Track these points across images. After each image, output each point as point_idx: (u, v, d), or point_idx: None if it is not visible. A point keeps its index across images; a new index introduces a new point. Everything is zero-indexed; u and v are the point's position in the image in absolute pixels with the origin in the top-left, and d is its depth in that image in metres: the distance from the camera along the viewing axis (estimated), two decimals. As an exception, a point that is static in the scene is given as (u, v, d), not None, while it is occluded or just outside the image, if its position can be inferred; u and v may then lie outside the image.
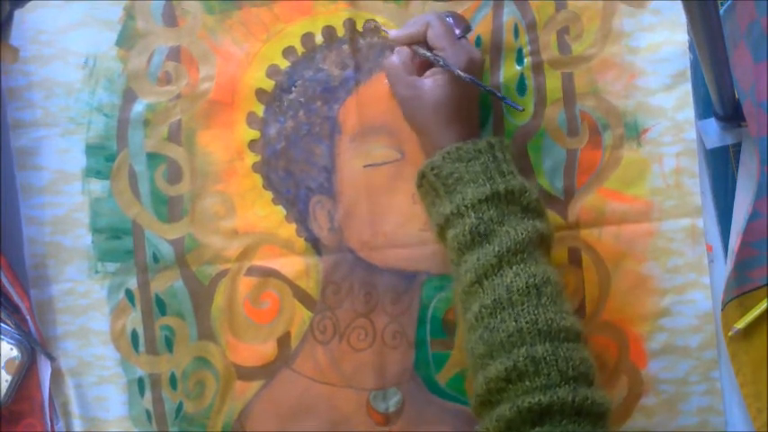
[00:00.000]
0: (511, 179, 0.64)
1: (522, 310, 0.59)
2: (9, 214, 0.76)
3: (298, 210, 0.76)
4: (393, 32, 0.71)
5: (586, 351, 0.60)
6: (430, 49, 0.69)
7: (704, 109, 0.74)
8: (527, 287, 0.60)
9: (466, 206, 0.63)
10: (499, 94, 0.68)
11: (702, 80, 0.70)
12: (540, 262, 0.62)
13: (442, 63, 0.67)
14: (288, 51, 0.75)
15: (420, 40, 0.69)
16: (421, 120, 0.69)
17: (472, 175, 0.64)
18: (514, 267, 0.61)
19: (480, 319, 0.61)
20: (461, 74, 0.66)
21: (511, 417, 0.57)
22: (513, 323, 0.59)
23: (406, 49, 0.70)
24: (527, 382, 0.57)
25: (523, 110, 0.73)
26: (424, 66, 0.69)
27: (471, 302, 0.62)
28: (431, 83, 0.67)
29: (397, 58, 0.70)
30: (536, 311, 0.59)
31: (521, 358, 0.58)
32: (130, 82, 0.76)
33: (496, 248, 0.61)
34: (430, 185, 0.66)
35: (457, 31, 0.69)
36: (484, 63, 0.72)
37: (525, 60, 0.74)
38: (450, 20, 0.69)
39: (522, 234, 0.62)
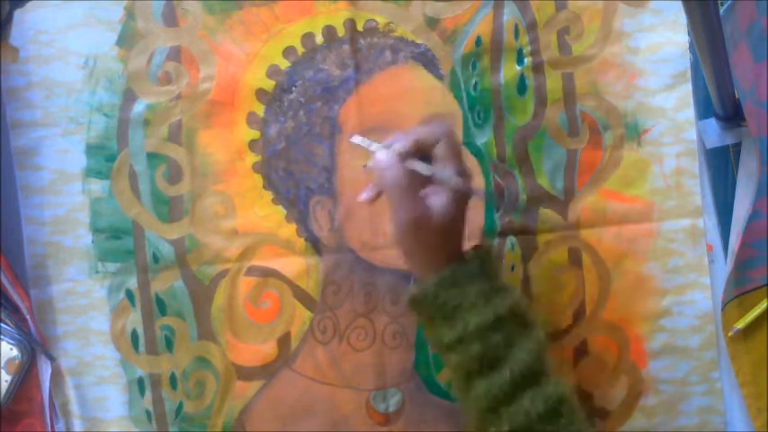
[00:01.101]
0: (506, 296, 0.62)
1: None
2: (9, 214, 0.76)
3: (298, 210, 0.76)
4: (398, 143, 0.63)
5: None
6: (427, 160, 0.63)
7: (704, 109, 0.74)
8: (545, 411, 0.59)
9: (470, 333, 0.61)
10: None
11: (702, 80, 0.70)
12: (551, 380, 0.61)
13: (453, 183, 0.62)
14: (288, 51, 0.75)
15: (426, 152, 0.63)
16: (422, 243, 0.62)
17: (470, 301, 0.61)
18: (529, 392, 0.60)
19: None
20: (475, 193, 0.64)
21: None
22: None
23: (407, 170, 0.62)
24: None
25: (481, 199, 0.74)
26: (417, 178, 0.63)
27: (487, 426, 0.61)
28: (437, 203, 0.61)
29: (405, 179, 0.62)
30: None
31: None
32: (130, 82, 0.76)
33: (508, 374, 0.60)
34: (425, 309, 0.63)
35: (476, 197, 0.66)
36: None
37: (525, 60, 0.74)
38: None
39: (533, 354, 0.60)
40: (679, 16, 0.72)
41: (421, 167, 0.62)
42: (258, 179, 0.76)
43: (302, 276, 0.75)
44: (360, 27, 0.75)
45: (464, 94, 0.75)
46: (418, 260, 0.64)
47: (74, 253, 0.76)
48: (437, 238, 0.62)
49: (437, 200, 0.61)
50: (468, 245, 0.64)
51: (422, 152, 0.63)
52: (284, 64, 0.75)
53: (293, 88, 0.76)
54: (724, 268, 0.73)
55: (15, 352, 0.74)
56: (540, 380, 0.60)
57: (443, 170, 0.62)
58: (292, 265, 0.75)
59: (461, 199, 0.63)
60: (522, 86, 0.74)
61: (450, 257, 0.63)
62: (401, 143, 0.63)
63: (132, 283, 0.76)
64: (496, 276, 0.64)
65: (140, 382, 0.76)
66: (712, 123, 0.73)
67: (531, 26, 0.74)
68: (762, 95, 0.69)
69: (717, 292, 0.73)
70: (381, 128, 0.75)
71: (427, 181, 0.62)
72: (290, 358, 0.76)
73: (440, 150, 0.62)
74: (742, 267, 0.71)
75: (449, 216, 0.61)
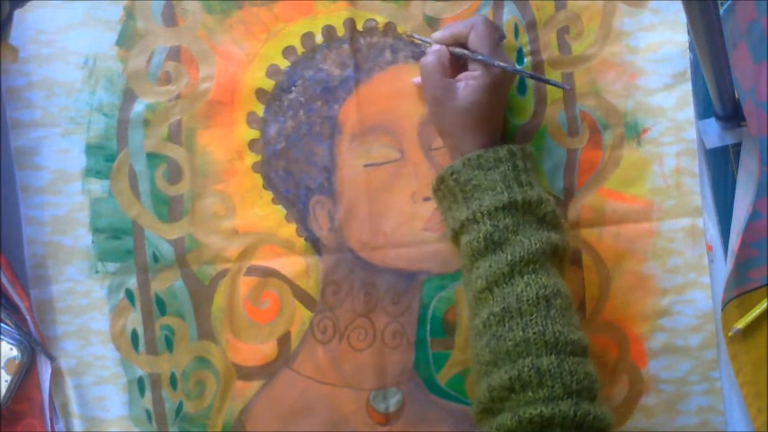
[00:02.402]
0: (528, 190, 0.64)
1: (531, 320, 0.59)
2: (9, 214, 0.76)
3: (298, 209, 0.76)
4: (437, 33, 0.70)
5: (591, 366, 0.61)
6: (467, 49, 0.68)
7: (704, 109, 0.74)
8: (537, 298, 0.60)
9: (482, 213, 0.63)
10: (543, 78, 0.69)
11: (702, 80, 0.70)
12: (551, 274, 0.62)
13: (480, 58, 0.67)
14: (288, 51, 0.75)
15: (462, 42, 0.69)
16: (448, 122, 0.68)
17: (490, 182, 0.64)
18: (526, 277, 0.61)
19: (488, 326, 0.61)
20: (501, 64, 0.66)
21: (511, 426, 0.57)
22: (521, 333, 0.59)
23: (444, 50, 0.69)
24: (530, 393, 0.58)
25: (570, 89, 0.73)
26: (456, 69, 0.69)
27: (480, 309, 0.62)
28: (463, 86, 0.67)
29: (433, 58, 0.69)
30: (544, 323, 0.59)
31: (525, 368, 0.58)
32: (130, 82, 0.76)
33: (509, 257, 0.61)
34: (448, 190, 0.66)
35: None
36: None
37: (525, 60, 0.74)
38: None
39: (535, 245, 0.62)
40: (679, 16, 0.72)
41: (452, 48, 0.69)
42: (258, 179, 0.76)
43: (302, 276, 0.75)
44: (360, 27, 0.75)
45: (464, 94, 0.75)
46: (450, 141, 0.69)
47: (74, 253, 0.76)
48: (463, 121, 0.67)
49: (461, 83, 0.67)
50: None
51: (459, 42, 0.69)
52: (284, 64, 0.75)
53: (293, 88, 0.76)
54: (724, 268, 0.73)
55: (15, 352, 0.74)
56: (539, 271, 0.61)
57: (472, 53, 0.67)
58: (292, 264, 0.75)
59: (494, 85, 0.67)
60: (521, 86, 0.74)
61: (483, 145, 0.66)
62: (439, 33, 0.70)
63: (132, 282, 0.76)
64: (527, 172, 0.66)
65: (140, 381, 0.76)
66: (712, 123, 0.73)
67: (531, 25, 0.74)
68: (762, 95, 0.69)
69: (717, 292, 0.73)
70: (381, 127, 0.75)
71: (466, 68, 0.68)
72: (290, 358, 0.76)
73: (473, 37, 0.67)
74: (742, 267, 0.71)
75: (471, 100, 0.66)
